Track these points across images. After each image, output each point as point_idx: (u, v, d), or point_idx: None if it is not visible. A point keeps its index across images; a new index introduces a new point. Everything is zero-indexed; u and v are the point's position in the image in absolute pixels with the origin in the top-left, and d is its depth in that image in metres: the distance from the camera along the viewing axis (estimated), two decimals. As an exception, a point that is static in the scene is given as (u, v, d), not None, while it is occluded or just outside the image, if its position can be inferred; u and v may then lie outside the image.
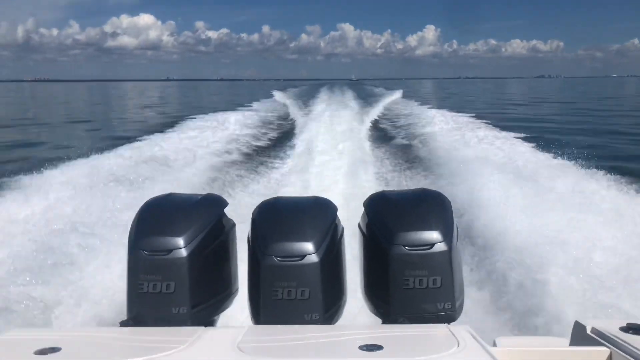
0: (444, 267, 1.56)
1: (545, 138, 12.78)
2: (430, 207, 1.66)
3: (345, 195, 6.76)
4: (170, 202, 1.74)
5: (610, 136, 17.53)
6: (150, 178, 7.79)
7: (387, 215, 1.65)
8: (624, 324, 1.40)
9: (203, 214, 1.66)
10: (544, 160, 9.18)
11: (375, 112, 22.21)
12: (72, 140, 15.87)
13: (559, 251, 4.33)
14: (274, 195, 1.87)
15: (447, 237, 1.57)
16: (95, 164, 8.77)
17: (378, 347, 1.22)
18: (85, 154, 9.66)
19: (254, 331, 1.47)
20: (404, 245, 1.56)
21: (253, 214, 1.70)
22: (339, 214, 1.73)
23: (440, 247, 1.56)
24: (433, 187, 2.00)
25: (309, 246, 1.56)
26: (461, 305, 1.61)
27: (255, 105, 29.26)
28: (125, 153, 10.21)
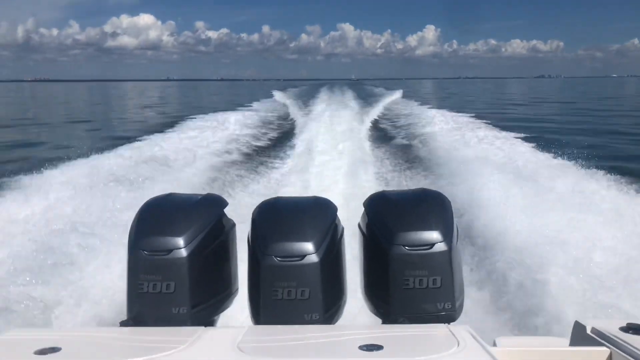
0: (444, 267, 1.56)
1: (545, 138, 12.80)
2: (431, 207, 1.66)
3: (345, 195, 6.77)
4: (170, 202, 1.74)
5: (610, 136, 17.54)
6: (150, 178, 7.81)
7: (387, 215, 1.65)
8: (624, 324, 1.40)
9: (203, 214, 1.66)
10: (544, 160, 9.19)
11: (375, 112, 22.23)
12: (72, 140, 15.94)
13: (559, 251, 4.33)
14: (274, 195, 1.87)
15: (447, 237, 1.58)
16: (95, 164, 8.79)
17: (378, 347, 1.22)
18: (85, 154, 9.69)
19: (254, 331, 1.47)
20: (404, 245, 1.56)
21: (253, 214, 1.70)
22: (339, 214, 1.73)
23: (440, 247, 1.56)
24: (433, 187, 2.00)
25: (309, 246, 1.56)
26: (461, 305, 1.61)
27: (255, 105, 29.26)
28: (125, 153, 10.24)
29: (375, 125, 17.94)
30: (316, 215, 1.68)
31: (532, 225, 4.94)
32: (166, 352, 1.23)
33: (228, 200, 1.81)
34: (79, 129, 23.19)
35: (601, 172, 7.41)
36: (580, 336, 1.46)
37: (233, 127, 15.85)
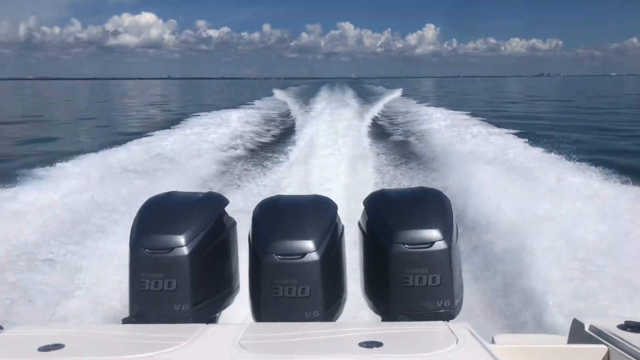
0: (443, 265, 1.57)
1: (537, 134, 13.16)
2: (430, 206, 1.67)
3: (346, 194, 6.77)
4: (171, 200, 1.75)
5: (599, 132, 17.91)
6: (154, 174, 7.95)
7: (387, 213, 1.66)
8: (622, 322, 1.40)
9: (204, 212, 1.67)
10: (545, 160, 9.24)
11: (375, 110, 22.26)
12: (80, 136, 16.73)
13: (559, 249, 4.34)
14: (274, 193, 1.88)
15: (447, 235, 1.58)
16: (102, 161, 9.07)
17: (378, 344, 1.22)
18: (94, 149, 10.18)
19: (255, 328, 1.48)
20: (403, 244, 1.57)
21: (254, 212, 1.71)
22: (339, 212, 1.73)
23: (440, 245, 1.57)
24: (432, 184, 2.01)
25: (309, 244, 1.57)
26: (460, 303, 1.62)
27: (256, 103, 29.30)
28: (132, 148, 10.77)
29: (375, 122, 17.99)
30: (316, 213, 1.68)
31: (532, 224, 4.95)
32: (168, 349, 1.24)
33: (229, 198, 1.82)
34: (86, 125, 23.58)
35: (609, 171, 7.69)
36: (578, 334, 1.47)
37: (235, 124, 16.07)
